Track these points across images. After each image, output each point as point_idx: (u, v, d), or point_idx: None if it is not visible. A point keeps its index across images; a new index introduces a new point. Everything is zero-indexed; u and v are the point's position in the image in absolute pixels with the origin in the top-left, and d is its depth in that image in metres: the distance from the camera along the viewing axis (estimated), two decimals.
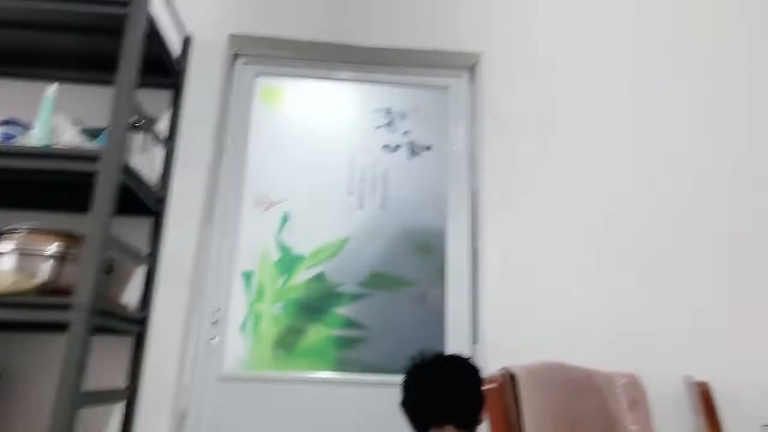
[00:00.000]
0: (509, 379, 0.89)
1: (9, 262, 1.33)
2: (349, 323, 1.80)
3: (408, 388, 1.31)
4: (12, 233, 1.40)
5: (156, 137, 1.75)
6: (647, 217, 1.79)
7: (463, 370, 1.31)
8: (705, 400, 1.38)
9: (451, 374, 1.28)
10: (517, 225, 1.78)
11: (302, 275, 1.84)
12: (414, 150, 1.98)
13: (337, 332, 1.79)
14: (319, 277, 1.84)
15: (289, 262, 1.85)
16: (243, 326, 1.78)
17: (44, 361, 1.61)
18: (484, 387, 0.88)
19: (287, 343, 1.78)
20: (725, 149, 1.86)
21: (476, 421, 1.29)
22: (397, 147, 1.97)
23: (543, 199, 1.81)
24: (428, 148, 1.97)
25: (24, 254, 1.34)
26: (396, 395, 1.35)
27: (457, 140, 1.97)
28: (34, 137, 1.43)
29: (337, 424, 1.69)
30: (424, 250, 1.87)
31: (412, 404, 1.29)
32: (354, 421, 1.69)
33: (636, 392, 1.11)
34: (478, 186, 1.88)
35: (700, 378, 1.48)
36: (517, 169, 1.84)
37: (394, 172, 1.95)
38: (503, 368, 0.92)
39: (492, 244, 1.77)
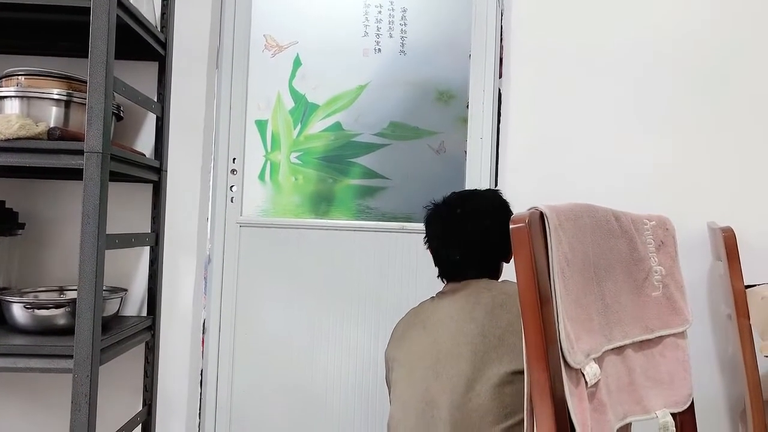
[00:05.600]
0: (538, 219, 0.86)
1: (13, 106, 1.28)
2: (369, 173, 1.77)
3: (430, 228, 1.29)
4: (11, 77, 1.34)
5: None
6: (679, 69, 1.65)
7: (488, 210, 1.26)
8: (729, 245, 1.38)
9: (474, 216, 1.25)
10: (547, 67, 1.66)
11: (318, 125, 1.78)
12: None
13: (356, 182, 1.77)
14: (336, 126, 1.77)
15: (303, 110, 1.77)
16: (261, 175, 1.77)
17: (71, 208, 1.63)
18: (511, 226, 0.85)
19: (306, 191, 1.77)
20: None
21: (500, 261, 1.28)
22: None
23: (577, 44, 1.66)
24: None
25: (27, 98, 1.29)
26: (415, 241, 1.37)
27: None
28: None
29: (355, 268, 1.73)
30: (445, 98, 1.78)
31: (435, 247, 1.29)
32: (372, 266, 1.73)
33: (663, 234, 1.09)
34: (506, 24, 1.72)
35: (722, 224, 1.47)
36: (550, 9, 1.67)
37: (413, 10, 1.78)
38: (532, 208, 0.88)
39: (518, 88, 1.67)
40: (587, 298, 0.91)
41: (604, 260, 0.97)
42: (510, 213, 1.27)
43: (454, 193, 1.30)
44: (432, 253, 1.29)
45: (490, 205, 1.26)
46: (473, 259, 1.23)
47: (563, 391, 0.81)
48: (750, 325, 1.34)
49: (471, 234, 1.22)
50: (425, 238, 1.29)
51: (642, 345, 1.00)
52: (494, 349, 1.08)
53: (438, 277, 1.29)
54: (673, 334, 1.04)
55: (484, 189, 1.33)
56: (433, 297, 1.27)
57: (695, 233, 1.62)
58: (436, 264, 1.28)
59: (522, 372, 1.02)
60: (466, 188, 1.70)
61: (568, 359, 0.83)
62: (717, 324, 1.63)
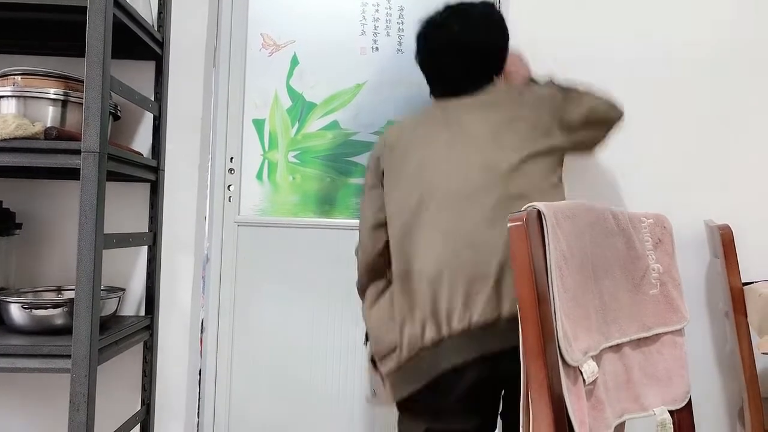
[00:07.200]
0: (536, 217, 0.86)
1: (9, 106, 1.28)
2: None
3: (424, 44, 1.30)
4: (7, 77, 1.33)
5: None
6: (677, 67, 1.66)
7: (485, 25, 1.25)
8: (726, 242, 1.38)
9: (468, 22, 1.25)
10: (545, 65, 1.65)
11: (316, 124, 1.77)
12: None
13: (355, 180, 1.77)
14: (334, 125, 1.77)
15: (300, 109, 1.77)
16: (259, 174, 1.77)
17: (68, 207, 1.63)
18: (509, 225, 0.85)
19: (304, 190, 1.77)
20: None
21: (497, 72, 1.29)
22: None
23: (575, 42, 1.66)
24: None
25: (24, 98, 1.29)
26: None
27: None
28: None
29: (354, 267, 1.73)
30: None
31: (430, 65, 1.30)
32: None
33: (661, 232, 1.10)
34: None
35: (720, 222, 1.48)
36: (548, 6, 1.67)
37: (410, 9, 1.78)
38: (529, 205, 0.89)
39: None
40: (585, 297, 0.91)
41: (601, 258, 0.97)
42: (505, 26, 1.29)
43: (447, 7, 1.30)
44: (426, 70, 1.30)
45: (487, 20, 1.27)
46: (473, 73, 1.25)
47: (561, 388, 0.82)
48: (747, 322, 1.34)
49: (469, 50, 1.24)
50: (417, 55, 1.31)
51: (639, 343, 1.00)
52: (543, 134, 1.17)
53: (431, 95, 1.32)
54: (671, 332, 1.05)
55: (479, 2, 1.31)
56: (432, 104, 1.29)
57: (693, 231, 1.63)
58: (431, 82, 1.30)
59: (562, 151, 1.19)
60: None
61: (566, 357, 0.83)
62: (715, 321, 1.63)
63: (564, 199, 1.18)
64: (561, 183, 1.20)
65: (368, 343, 1.26)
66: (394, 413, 1.23)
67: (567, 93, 1.24)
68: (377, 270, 1.26)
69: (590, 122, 1.22)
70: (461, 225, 1.11)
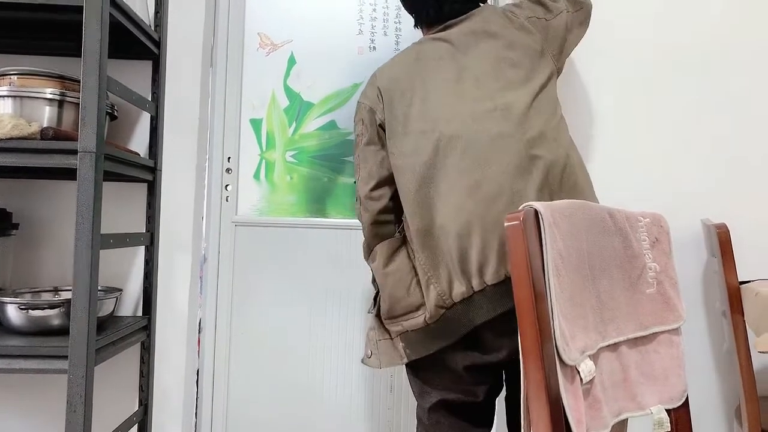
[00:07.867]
0: (533, 216, 0.86)
1: (5, 106, 1.28)
2: None
3: None
4: (3, 77, 1.33)
5: None
6: (675, 67, 1.66)
7: None
8: (722, 241, 1.38)
9: None
10: None
11: (313, 123, 1.77)
12: None
13: (351, 180, 1.77)
14: (331, 125, 1.77)
15: (298, 109, 1.77)
16: (256, 174, 1.76)
17: (65, 207, 1.63)
18: (506, 224, 0.85)
19: (301, 190, 1.77)
20: None
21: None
22: None
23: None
24: None
25: (20, 98, 1.28)
26: None
27: None
28: None
29: (351, 266, 1.73)
30: None
31: None
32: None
33: (658, 231, 1.10)
34: None
35: (717, 221, 1.48)
36: None
37: None
38: (526, 205, 0.89)
39: None
40: (582, 296, 0.91)
41: (598, 257, 0.97)
42: None
43: None
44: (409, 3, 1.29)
45: None
46: None
47: (558, 388, 0.82)
48: (744, 321, 1.35)
49: None
50: None
51: (636, 342, 1.00)
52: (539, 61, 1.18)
53: (416, 26, 1.30)
54: (668, 331, 1.05)
55: None
56: (419, 41, 1.26)
57: (690, 230, 1.63)
58: (415, 10, 1.28)
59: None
60: None
61: (563, 356, 0.83)
62: (712, 320, 1.64)
63: (568, 130, 1.19)
64: (563, 115, 1.19)
65: (376, 304, 1.21)
66: (393, 413, 1.23)
67: (545, 7, 1.24)
68: (384, 227, 1.20)
69: (569, 27, 1.25)
70: (486, 175, 1.07)
